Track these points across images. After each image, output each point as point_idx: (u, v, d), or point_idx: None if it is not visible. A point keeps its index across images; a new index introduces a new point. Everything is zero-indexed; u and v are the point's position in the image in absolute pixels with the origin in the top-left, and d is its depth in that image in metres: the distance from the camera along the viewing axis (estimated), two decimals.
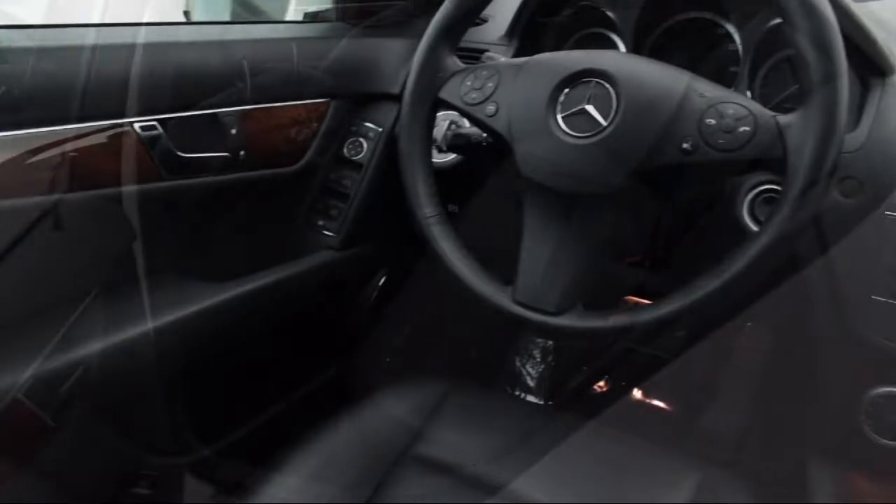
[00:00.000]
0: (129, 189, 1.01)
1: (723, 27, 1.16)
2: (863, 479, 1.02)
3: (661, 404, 1.86)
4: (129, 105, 0.99)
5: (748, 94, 1.12)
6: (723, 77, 1.16)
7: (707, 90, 0.82)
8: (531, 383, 1.89)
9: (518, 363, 1.89)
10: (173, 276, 1.12)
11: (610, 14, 1.19)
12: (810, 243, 0.97)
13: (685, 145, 0.80)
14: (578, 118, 0.85)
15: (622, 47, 1.21)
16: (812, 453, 1.06)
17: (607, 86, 0.85)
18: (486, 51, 1.12)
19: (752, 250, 0.77)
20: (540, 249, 0.87)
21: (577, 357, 1.93)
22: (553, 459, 1.02)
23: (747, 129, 0.78)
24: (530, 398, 1.89)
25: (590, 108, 0.85)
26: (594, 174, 0.83)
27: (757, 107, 0.80)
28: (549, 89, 0.87)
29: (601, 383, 1.93)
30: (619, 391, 1.90)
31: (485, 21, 1.33)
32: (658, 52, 1.21)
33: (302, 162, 1.28)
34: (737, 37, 1.14)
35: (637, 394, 1.89)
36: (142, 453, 1.12)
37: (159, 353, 1.03)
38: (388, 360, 1.60)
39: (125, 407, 1.07)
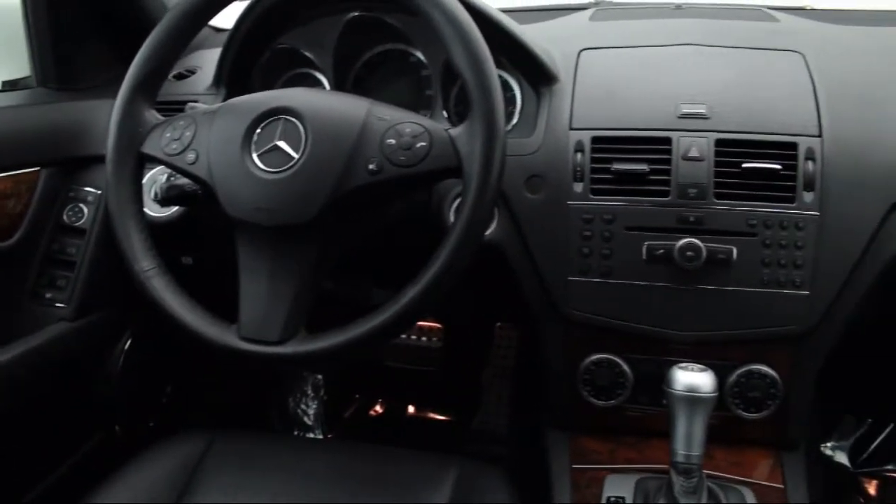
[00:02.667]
0: None
1: (414, 55, 1.25)
2: (589, 439, 1.13)
3: (434, 414, 1.95)
4: None
5: (444, 114, 1.22)
6: (421, 100, 1.26)
7: (386, 114, 0.89)
8: (308, 420, 1.91)
9: (292, 403, 1.90)
10: None
11: (308, 54, 1.25)
12: (511, 238, 1.07)
13: (371, 166, 0.86)
14: (273, 154, 0.89)
15: (327, 84, 1.28)
16: (548, 425, 1.16)
17: (295, 121, 0.90)
18: (193, 101, 1.13)
19: (443, 254, 0.84)
20: (256, 283, 0.90)
21: (349, 386, 1.98)
22: (322, 486, 1.05)
23: (424, 144, 0.86)
24: (311, 435, 1.90)
25: (281, 144, 0.89)
26: (293, 205, 0.87)
27: (431, 123, 0.88)
28: (243, 130, 0.91)
29: (377, 407, 1.99)
30: (394, 410, 1.97)
31: (192, 73, 1.34)
32: (360, 85, 1.28)
33: (17, 235, 1.22)
34: (427, 63, 1.24)
35: (411, 409, 1.96)
36: None
37: None
38: (151, 423, 1.56)
39: None
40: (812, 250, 1.00)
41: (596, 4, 1.51)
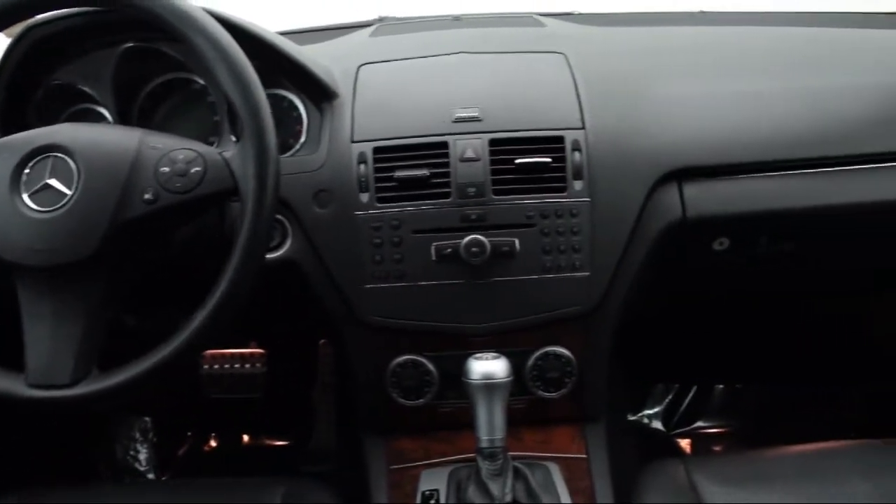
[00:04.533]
0: None
1: (197, 83, 1.25)
2: (405, 439, 1.17)
3: (269, 441, 1.94)
4: None
5: (233, 138, 1.22)
6: (211, 127, 1.25)
7: (159, 142, 0.90)
8: (140, 466, 1.84)
9: (120, 450, 1.83)
10: None
11: (86, 89, 1.21)
12: (305, 254, 1.09)
13: (147, 196, 0.86)
14: (45, 193, 0.87)
15: (110, 118, 1.24)
16: (365, 431, 1.19)
17: (66, 157, 0.88)
18: None
19: (227, 275, 0.86)
20: (41, 327, 0.87)
21: (178, 424, 1.93)
22: None
23: (199, 169, 0.87)
24: (145, 479, 1.84)
25: (53, 182, 0.87)
26: (69, 243, 0.86)
27: (205, 148, 0.89)
28: (10, 171, 0.88)
29: (210, 441, 1.95)
30: (228, 442, 1.94)
31: None
32: (146, 117, 1.25)
33: None
34: (210, 89, 1.23)
35: (245, 438, 1.94)
36: None
37: None
38: None
39: None
40: (587, 234, 1.08)
41: (380, 21, 1.57)
